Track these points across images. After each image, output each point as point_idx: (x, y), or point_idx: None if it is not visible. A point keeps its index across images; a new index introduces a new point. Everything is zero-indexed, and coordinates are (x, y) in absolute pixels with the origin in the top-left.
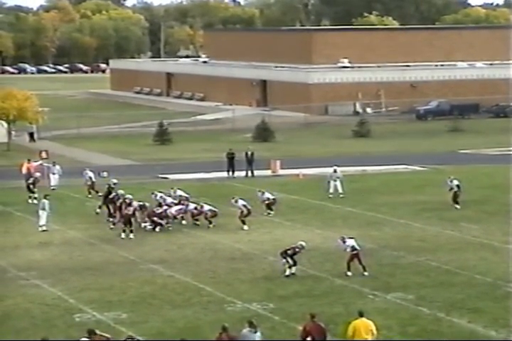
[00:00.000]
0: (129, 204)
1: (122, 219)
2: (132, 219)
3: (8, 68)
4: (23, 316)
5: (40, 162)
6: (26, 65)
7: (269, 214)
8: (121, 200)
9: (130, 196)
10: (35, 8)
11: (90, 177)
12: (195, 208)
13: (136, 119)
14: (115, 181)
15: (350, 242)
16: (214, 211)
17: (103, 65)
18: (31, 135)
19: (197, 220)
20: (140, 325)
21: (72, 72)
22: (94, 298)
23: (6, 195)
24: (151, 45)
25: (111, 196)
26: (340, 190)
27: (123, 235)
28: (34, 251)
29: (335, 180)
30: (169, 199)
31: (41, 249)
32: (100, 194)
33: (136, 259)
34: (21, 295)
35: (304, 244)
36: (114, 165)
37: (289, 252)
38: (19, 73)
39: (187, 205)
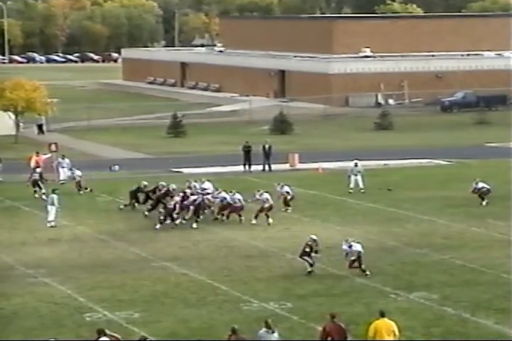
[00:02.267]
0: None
1: (184, 211)
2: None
3: (17, 57)
4: (31, 315)
5: (49, 155)
6: (35, 54)
7: (286, 210)
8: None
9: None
10: None
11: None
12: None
13: (149, 111)
14: (145, 183)
15: (357, 247)
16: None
17: (115, 54)
18: (40, 127)
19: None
20: (152, 325)
21: (82, 61)
22: (105, 297)
23: (13, 189)
24: (164, 34)
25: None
26: (360, 185)
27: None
28: (43, 248)
29: (355, 175)
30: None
31: (50, 245)
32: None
33: (149, 256)
34: (29, 293)
35: (314, 236)
36: (125, 159)
37: (306, 250)
38: (28, 62)
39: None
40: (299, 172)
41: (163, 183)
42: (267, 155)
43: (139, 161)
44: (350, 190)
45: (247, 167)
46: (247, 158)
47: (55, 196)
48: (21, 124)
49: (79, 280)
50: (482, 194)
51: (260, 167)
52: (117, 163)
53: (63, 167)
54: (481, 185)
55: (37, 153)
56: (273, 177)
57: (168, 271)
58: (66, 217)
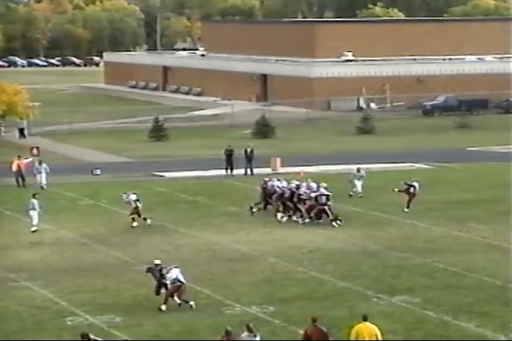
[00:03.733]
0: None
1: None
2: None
3: None
4: (12, 319)
5: (30, 159)
6: (16, 58)
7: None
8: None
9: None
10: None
11: None
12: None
13: (131, 114)
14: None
15: (174, 273)
16: None
17: (96, 58)
18: (21, 131)
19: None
20: (134, 329)
21: (64, 65)
22: (87, 301)
23: None
24: (146, 38)
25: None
26: (359, 190)
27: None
28: (24, 252)
29: (358, 179)
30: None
31: (32, 249)
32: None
33: (131, 260)
34: (11, 297)
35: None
36: (107, 162)
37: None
38: (9, 66)
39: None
40: (281, 175)
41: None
42: (249, 159)
43: (121, 165)
44: (351, 193)
45: (229, 171)
46: (229, 161)
47: (35, 201)
48: (2, 128)
49: (60, 284)
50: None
51: (242, 171)
52: (99, 166)
53: (40, 172)
54: (415, 184)
55: (19, 156)
56: (255, 181)
57: (150, 275)
58: (48, 220)
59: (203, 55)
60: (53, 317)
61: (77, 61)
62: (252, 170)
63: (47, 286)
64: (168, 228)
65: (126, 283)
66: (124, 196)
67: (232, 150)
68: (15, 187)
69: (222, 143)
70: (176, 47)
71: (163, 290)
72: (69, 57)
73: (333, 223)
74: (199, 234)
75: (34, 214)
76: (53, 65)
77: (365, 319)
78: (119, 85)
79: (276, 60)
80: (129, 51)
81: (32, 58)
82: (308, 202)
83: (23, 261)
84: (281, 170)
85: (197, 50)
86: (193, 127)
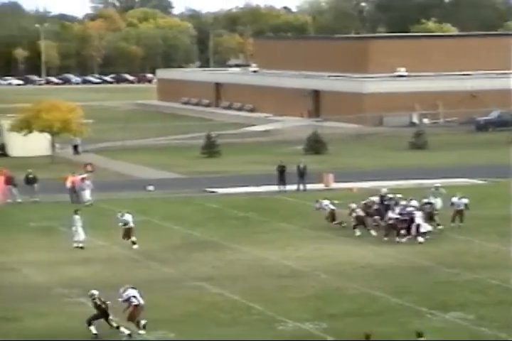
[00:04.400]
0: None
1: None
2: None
3: (53, 78)
4: (65, 335)
5: (84, 175)
6: (71, 75)
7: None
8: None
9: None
10: (80, 17)
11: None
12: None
13: (184, 131)
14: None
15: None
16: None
17: (150, 75)
18: (75, 147)
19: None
20: None
21: (117, 82)
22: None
23: (50, 209)
24: (199, 54)
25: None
26: (438, 207)
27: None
28: (77, 268)
29: (436, 197)
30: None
31: (85, 265)
32: None
33: (182, 276)
34: (64, 313)
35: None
36: (159, 179)
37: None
38: (64, 84)
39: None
40: (334, 191)
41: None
42: (302, 175)
43: (173, 181)
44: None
45: (281, 186)
46: (282, 177)
47: (77, 217)
48: (57, 145)
49: (112, 300)
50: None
51: (295, 186)
52: (151, 182)
53: (84, 189)
54: (464, 200)
55: (73, 173)
56: (307, 197)
57: (201, 291)
58: (101, 236)
59: (255, 72)
60: (108, 333)
61: (131, 78)
62: (304, 186)
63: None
64: (219, 244)
65: (177, 299)
66: (119, 215)
67: (284, 166)
68: (69, 203)
69: (273, 159)
70: (228, 63)
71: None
72: (122, 74)
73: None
74: (249, 250)
75: (78, 230)
76: (107, 82)
77: (419, 335)
78: (171, 102)
79: (329, 76)
80: (182, 68)
81: (86, 75)
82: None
83: (76, 277)
84: (333, 186)
85: (249, 66)
86: (244, 143)
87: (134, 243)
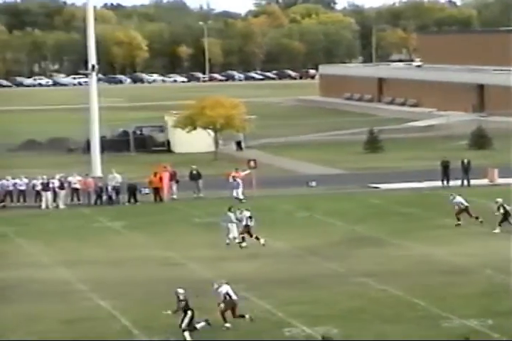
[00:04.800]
0: None
1: None
2: None
3: (217, 75)
4: (230, 330)
5: (248, 171)
6: (234, 72)
7: (458, 220)
8: None
9: None
10: (243, 14)
11: None
12: None
13: (345, 126)
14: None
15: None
16: None
17: (312, 71)
18: (238, 144)
19: None
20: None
21: (280, 78)
22: (302, 312)
23: (214, 205)
24: (362, 50)
25: None
26: None
27: None
28: (241, 263)
29: None
30: None
31: (248, 260)
32: None
33: (345, 272)
34: None
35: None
36: (322, 175)
37: None
38: (227, 80)
39: None
40: (499, 187)
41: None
42: (466, 170)
43: (335, 177)
44: None
45: (445, 182)
46: (446, 173)
47: (231, 214)
48: (220, 141)
49: (276, 295)
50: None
51: (459, 182)
52: (314, 178)
53: (234, 187)
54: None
55: (236, 169)
56: (472, 192)
57: (365, 287)
58: (263, 232)
59: (418, 66)
60: (271, 328)
61: (293, 74)
62: (468, 182)
63: (263, 297)
64: (382, 240)
65: (340, 294)
66: (238, 212)
67: (448, 162)
68: (233, 199)
69: (437, 154)
70: (391, 58)
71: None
72: (285, 71)
73: None
74: (413, 246)
75: (232, 227)
76: (270, 78)
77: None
78: (334, 97)
79: (493, 70)
80: (344, 63)
81: (249, 72)
82: None
83: (240, 272)
84: (498, 181)
85: (412, 61)
86: (407, 138)
87: (257, 238)
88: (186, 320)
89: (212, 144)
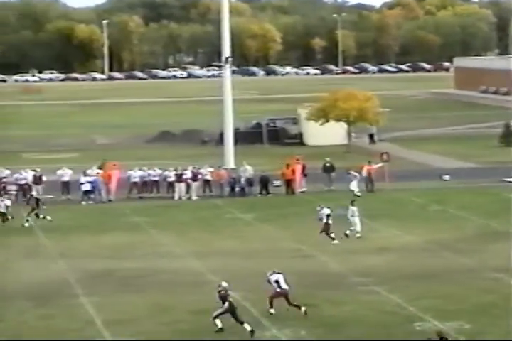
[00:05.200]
0: None
1: None
2: None
3: (349, 68)
4: (359, 323)
5: (380, 164)
6: (367, 65)
7: None
8: None
9: None
10: (378, 6)
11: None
12: None
13: (480, 120)
14: None
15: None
16: None
17: (446, 64)
18: (371, 136)
19: None
20: (480, 336)
21: (414, 71)
22: (433, 306)
23: (344, 198)
24: (498, 42)
25: None
26: None
27: None
28: (372, 257)
29: None
30: None
31: (379, 254)
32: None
33: (477, 267)
34: (359, 301)
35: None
36: (455, 168)
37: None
38: (360, 73)
39: None
40: None
41: None
42: None
43: (469, 171)
44: None
45: None
46: None
47: (354, 208)
48: (353, 134)
49: (407, 289)
50: None
51: None
52: (447, 172)
53: (352, 181)
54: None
55: (369, 162)
56: None
57: (497, 282)
58: (396, 226)
59: None
60: (401, 322)
61: (427, 67)
62: None
63: (394, 291)
64: None
65: (472, 289)
66: (318, 209)
67: None
68: (364, 192)
69: None
70: None
71: None
72: (419, 63)
73: None
74: None
75: (356, 221)
76: (403, 71)
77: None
78: (469, 90)
79: None
80: (480, 56)
81: (382, 64)
82: None
83: (371, 266)
84: None
85: None
86: None
87: (332, 239)
88: (220, 310)
89: (344, 137)
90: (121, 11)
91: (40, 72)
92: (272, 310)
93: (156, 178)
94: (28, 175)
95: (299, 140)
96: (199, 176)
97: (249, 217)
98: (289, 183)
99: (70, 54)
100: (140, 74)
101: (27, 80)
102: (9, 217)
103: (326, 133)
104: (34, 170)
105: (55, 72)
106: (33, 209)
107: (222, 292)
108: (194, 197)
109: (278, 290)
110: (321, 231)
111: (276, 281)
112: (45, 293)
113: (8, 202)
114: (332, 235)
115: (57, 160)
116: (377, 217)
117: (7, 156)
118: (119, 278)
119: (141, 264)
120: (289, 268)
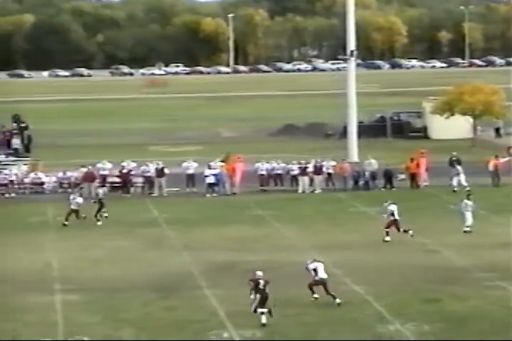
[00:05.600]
0: None
1: None
2: None
3: (476, 61)
4: (483, 318)
5: (507, 158)
6: (495, 58)
7: None
8: None
9: None
10: None
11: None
12: None
13: None
14: None
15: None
16: None
17: None
18: (497, 130)
19: None
20: None
21: None
22: None
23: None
24: None
25: None
26: None
27: None
28: (496, 252)
29: None
30: None
31: (504, 249)
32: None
33: None
34: (484, 296)
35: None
36: None
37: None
38: (487, 66)
39: None
40: None
41: None
42: None
43: None
44: None
45: None
46: None
47: (469, 202)
48: (479, 128)
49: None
50: None
51: None
52: None
53: (457, 174)
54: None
55: (496, 156)
56: None
57: None
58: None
59: None
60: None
61: None
62: None
63: None
64: None
65: None
66: (385, 204)
67: None
68: (490, 187)
69: None
70: None
71: None
72: None
73: None
74: None
75: (468, 215)
76: None
77: None
78: None
79: None
80: None
81: (510, 58)
82: None
83: (496, 261)
84: None
85: None
86: None
87: (405, 231)
88: (254, 303)
89: (470, 131)
90: (246, 4)
91: (166, 66)
92: (315, 295)
93: (280, 171)
94: (152, 168)
95: (423, 133)
96: (323, 169)
97: (373, 211)
98: (413, 177)
99: (196, 47)
100: (265, 68)
101: (153, 74)
102: (83, 215)
103: (451, 127)
104: (157, 163)
105: (180, 65)
106: (99, 210)
107: (251, 283)
108: (318, 191)
109: (316, 278)
110: (387, 227)
111: (314, 269)
112: (170, 284)
113: (80, 200)
114: (402, 230)
115: (182, 152)
116: (502, 212)
117: (134, 149)
118: (242, 270)
119: (265, 257)
120: (411, 263)
